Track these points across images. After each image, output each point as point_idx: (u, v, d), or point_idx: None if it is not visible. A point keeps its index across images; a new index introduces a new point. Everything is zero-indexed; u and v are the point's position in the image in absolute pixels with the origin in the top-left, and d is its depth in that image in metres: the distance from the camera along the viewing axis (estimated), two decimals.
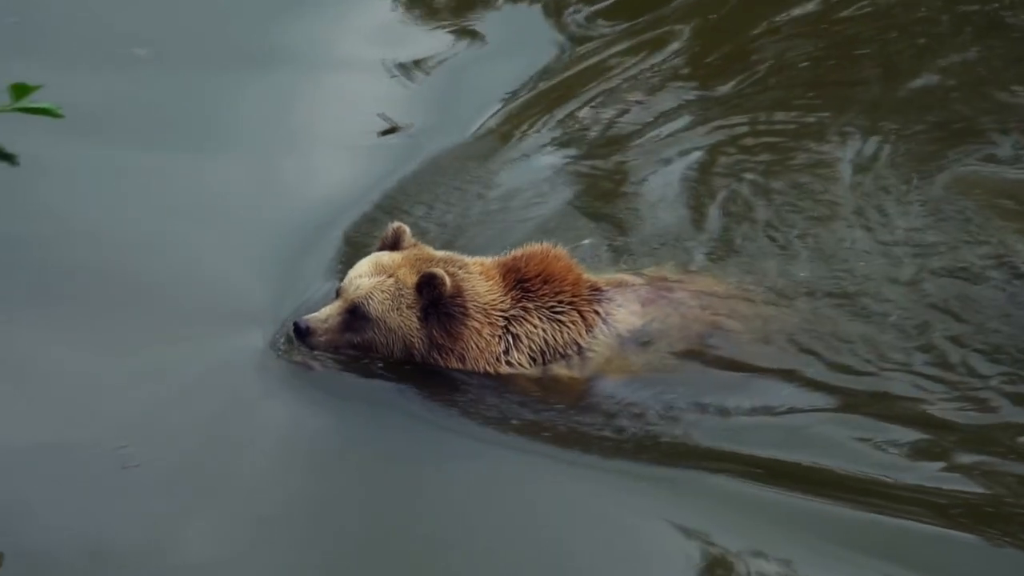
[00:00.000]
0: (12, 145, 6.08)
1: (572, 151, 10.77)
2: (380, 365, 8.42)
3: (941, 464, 7.95)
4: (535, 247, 8.63)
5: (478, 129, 11.00)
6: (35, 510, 7.50)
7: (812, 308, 8.89)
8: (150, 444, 7.93)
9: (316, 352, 8.40)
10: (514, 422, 8.15)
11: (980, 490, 7.77)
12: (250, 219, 9.64)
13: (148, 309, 8.80)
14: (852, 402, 8.35)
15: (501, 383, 8.37)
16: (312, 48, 11.70)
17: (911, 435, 8.13)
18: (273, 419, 8.18)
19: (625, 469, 7.83)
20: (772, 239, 9.56)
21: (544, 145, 10.83)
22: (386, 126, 10.95)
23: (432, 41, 12.03)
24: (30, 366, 8.17)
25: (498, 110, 11.25)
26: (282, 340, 8.55)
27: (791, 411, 8.28)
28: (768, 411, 8.27)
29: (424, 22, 12.30)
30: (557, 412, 8.25)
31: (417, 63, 11.70)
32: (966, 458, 7.99)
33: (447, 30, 12.21)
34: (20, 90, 6.14)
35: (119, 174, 9.97)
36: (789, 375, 8.49)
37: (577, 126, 11.08)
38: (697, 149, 10.72)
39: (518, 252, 8.62)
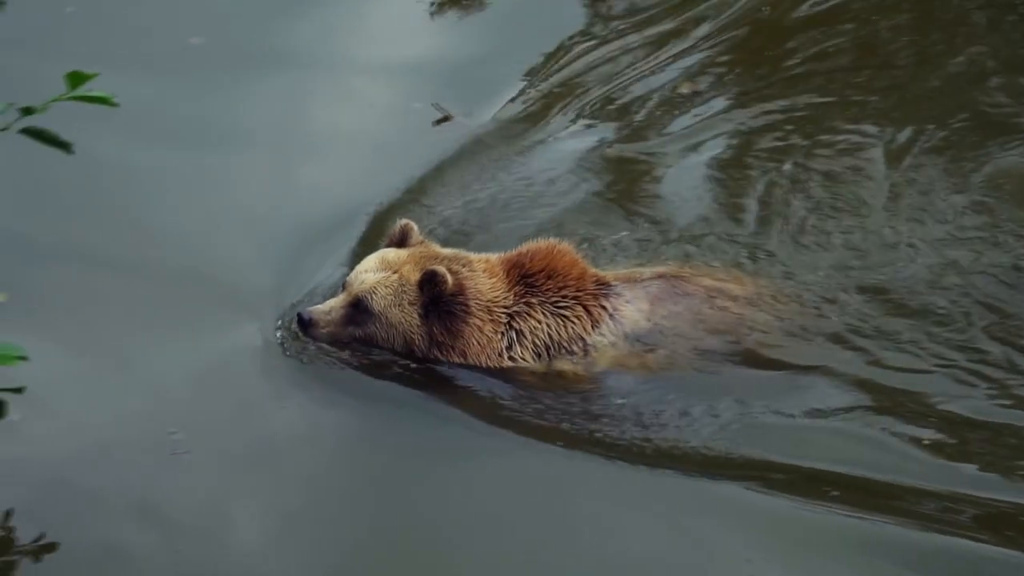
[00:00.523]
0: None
1: (604, 138, 10.72)
2: (389, 359, 8.45)
3: (975, 467, 7.79)
4: (541, 243, 8.60)
5: (506, 118, 10.99)
6: (88, 498, 7.62)
7: (844, 306, 8.76)
8: (193, 431, 8.04)
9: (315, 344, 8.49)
10: (521, 419, 8.12)
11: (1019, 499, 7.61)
12: (270, 215, 9.69)
13: (169, 301, 8.91)
14: (880, 404, 8.20)
15: (507, 379, 8.36)
16: (331, 47, 11.71)
17: (942, 437, 7.98)
18: (290, 411, 8.26)
19: (632, 470, 7.77)
20: (807, 234, 9.42)
21: (575, 133, 10.79)
22: (439, 115, 10.97)
23: (453, 32, 12.04)
24: (59, 356, 8.22)
25: (522, 97, 11.24)
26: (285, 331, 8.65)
27: (814, 414, 8.15)
28: (788, 414, 8.14)
29: (445, 14, 12.29)
30: (564, 410, 8.20)
31: (441, 54, 11.72)
32: (1008, 462, 7.82)
33: (467, 20, 12.21)
34: (76, 78, 6.20)
35: (144, 169, 10.05)
36: (812, 376, 8.36)
37: (611, 113, 11.03)
38: (733, 138, 10.61)
39: (523, 248, 8.59)
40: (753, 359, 8.45)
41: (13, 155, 6.28)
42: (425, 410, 8.26)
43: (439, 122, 10.92)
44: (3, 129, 6.16)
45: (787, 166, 10.16)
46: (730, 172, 10.22)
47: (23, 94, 6.31)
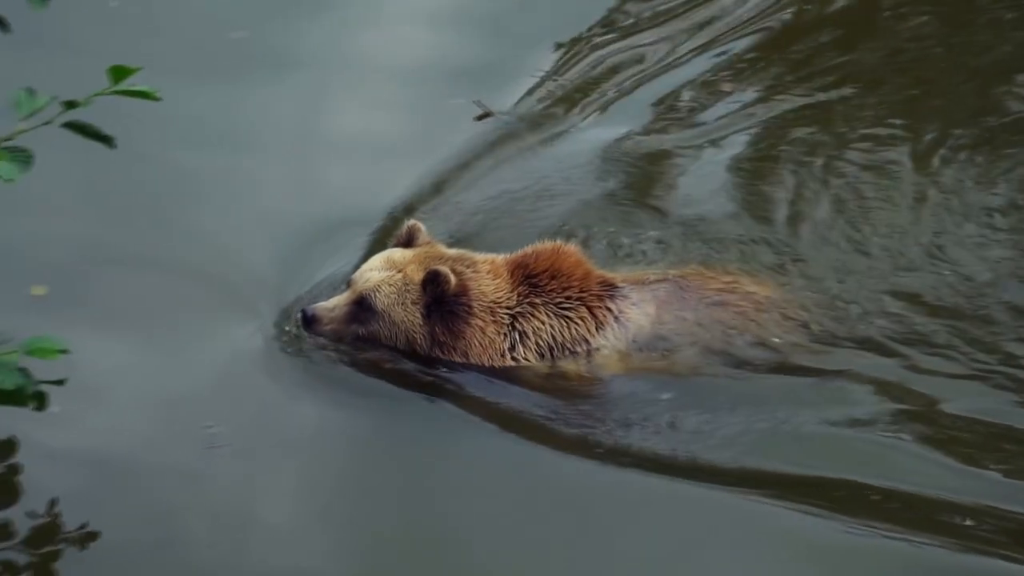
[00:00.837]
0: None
1: (629, 134, 10.64)
2: (395, 358, 8.48)
3: (999, 475, 7.66)
4: (546, 244, 8.58)
5: (532, 112, 10.99)
6: (127, 488, 7.74)
7: (870, 310, 8.65)
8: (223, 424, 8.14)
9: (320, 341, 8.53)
10: (529, 419, 8.12)
11: None
12: (292, 215, 9.72)
13: (196, 297, 9.00)
14: (905, 411, 8.07)
15: (512, 379, 8.35)
16: (355, 46, 11.70)
17: (973, 445, 7.85)
18: (309, 407, 8.32)
19: (638, 474, 7.74)
20: (835, 234, 9.29)
21: (601, 128, 10.74)
22: (480, 111, 10.98)
23: (472, 29, 12.00)
24: (91, 349, 8.28)
25: (546, 92, 11.21)
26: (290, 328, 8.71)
27: (830, 423, 8.01)
28: (801, 422, 8.01)
29: (464, 10, 12.29)
30: (568, 411, 8.17)
31: (462, 51, 11.69)
32: None
33: (488, 16, 12.19)
34: (119, 72, 6.23)
35: (169, 170, 10.12)
36: (832, 383, 8.25)
37: (636, 108, 10.96)
38: (761, 135, 10.50)
39: (528, 249, 8.58)
40: (767, 365, 8.36)
41: (43, 152, 6.31)
42: (436, 407, 8.30)
43: (480, 118, 10.93)
44: (47, 123, 6.20)
45: (816, 166, 10.03)
46: (757, 170, 10.12)
47: (66, 88, 6.34)
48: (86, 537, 7.25)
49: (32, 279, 8.95)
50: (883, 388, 8.22)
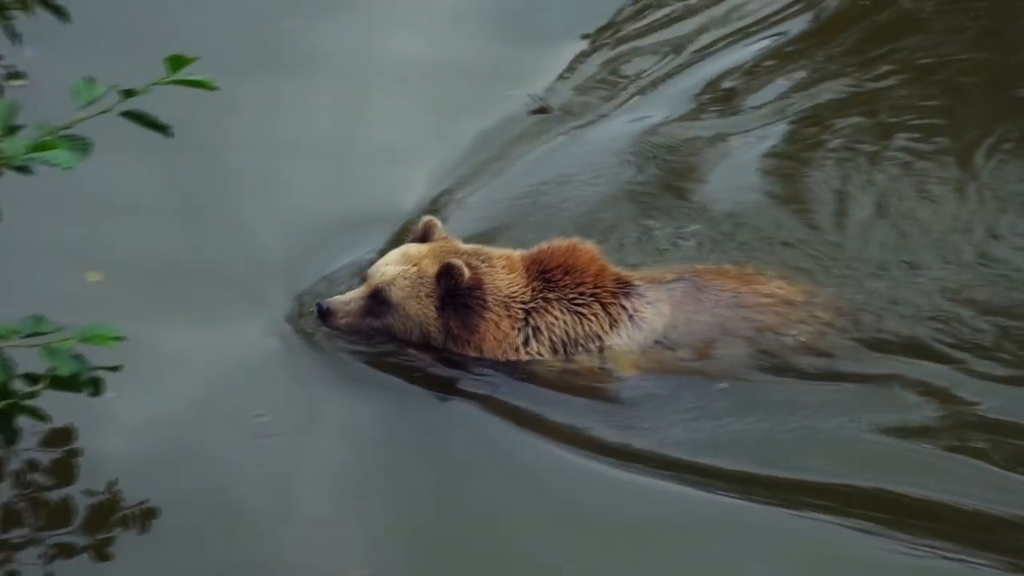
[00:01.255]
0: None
1: (667, 123, 10.64)
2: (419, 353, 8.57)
3: None
4: (563, 240, 8.59)
5: (574, 102, 11.04)
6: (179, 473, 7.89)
7: (907, 316, 8.54)
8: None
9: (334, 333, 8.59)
10: (542, 416, 8.14)
11: None
12: (317, 212, 9.79)
13: (232, 291, 9.10)
14: (934, 418, 7.93)
15: (528, 375, 8.36)
16: (377, 47, 11.74)
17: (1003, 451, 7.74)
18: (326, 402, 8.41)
19: (644, 478, 7.73)
20: (876, 232, 9.20)
21: (634, 120, 10.72)
22: (536, 106, 11.00)
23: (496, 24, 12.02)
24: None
25: (585, 80, 11.26)
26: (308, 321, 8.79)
27: (850, 429, 7.89)
28: (814, 429, 7.92)
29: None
30: (574, 407, 8.18)
31: (489, 46, 11.72)
32: None
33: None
34: (177, 62, 6.28)
35: (206, 169, 10.21)
36: (854, 390, 8.14)
37: (676, 99, 10.95)
38: (803, 127, 10.42)
39: (544, 244, 8.59)
40: (789, 367, 8.29)
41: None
42: (460, 402, 8.34)
43: (535, 112, 10.96)
44: (105, 111, 6.26)
45: (859, 159, 9.92)
46: (796, 163, 10.03)
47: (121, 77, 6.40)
48: (145, 515, 7.38)
49: (85, 266, 9.07)
50: (927, 391, 8.10)
